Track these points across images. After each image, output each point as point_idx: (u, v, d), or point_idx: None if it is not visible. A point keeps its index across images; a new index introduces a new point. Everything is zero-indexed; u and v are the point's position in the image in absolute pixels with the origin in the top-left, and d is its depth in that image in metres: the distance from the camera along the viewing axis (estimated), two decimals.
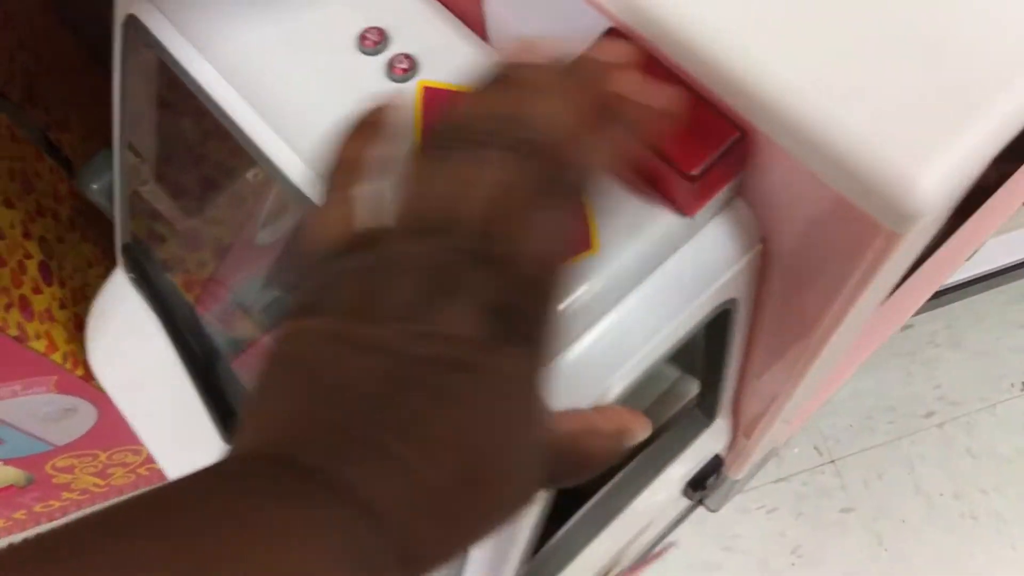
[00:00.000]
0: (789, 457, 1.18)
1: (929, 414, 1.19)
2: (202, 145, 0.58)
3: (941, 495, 1.16)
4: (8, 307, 0.71)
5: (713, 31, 0.32)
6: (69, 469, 0.92)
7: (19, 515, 0.99)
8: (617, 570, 0.74)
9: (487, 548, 0.46)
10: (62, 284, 0.80)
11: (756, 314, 0.46)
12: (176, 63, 0.47)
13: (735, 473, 0.74)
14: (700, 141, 0.33)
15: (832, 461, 1.18)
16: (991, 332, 1.22)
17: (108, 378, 0.78)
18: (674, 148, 0.33)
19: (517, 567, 0.48)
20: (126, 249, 0.71)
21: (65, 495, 0.98)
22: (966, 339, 1.22)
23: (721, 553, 1.15)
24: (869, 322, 0.58)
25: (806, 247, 0.39)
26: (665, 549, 0.80)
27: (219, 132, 0.46)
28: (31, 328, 0.74)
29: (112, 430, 0.89)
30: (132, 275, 0.71)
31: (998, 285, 1.21)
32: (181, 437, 0.72)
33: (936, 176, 0.29)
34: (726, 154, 0.33)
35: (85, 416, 0.85)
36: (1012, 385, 1.20)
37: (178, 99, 0.50)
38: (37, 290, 0.77)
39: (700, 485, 0.68)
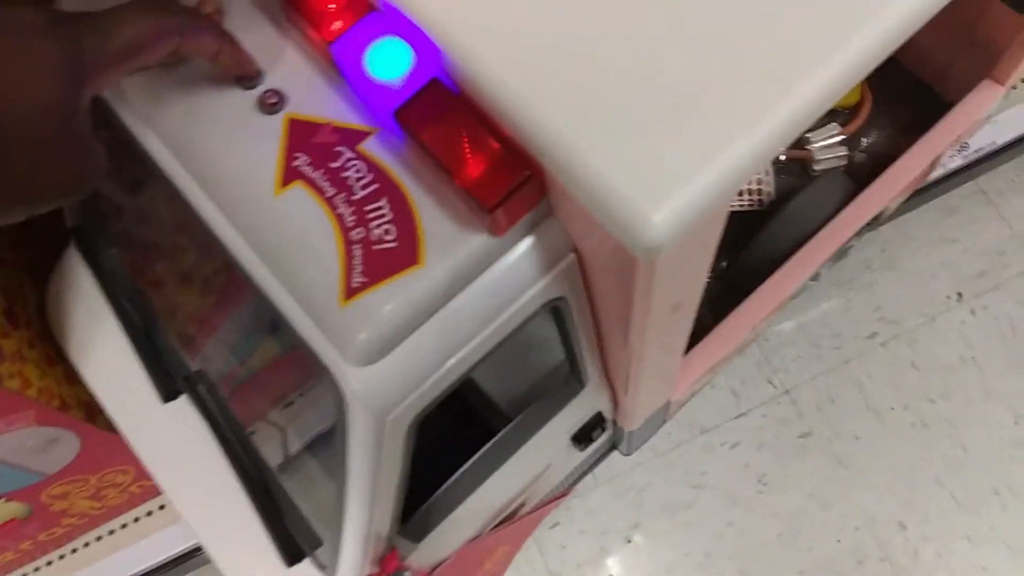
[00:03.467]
0: (745, 393, 1.25)
1: (872, 335, 1.25)
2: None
3: (892, 409, 1.22)
4: None
5: (507, 84, 0.39)
6: (64, 496, 0.99)
7: (25, 546, 1.05)
8: (524, 510, 0.82)
9: (359, 491, 0.53)
10: (28, 325, 0.86)
11: (594, 304, 0.54)
12: None
13: (629, 425, 0.83)
14: (496, 180, 0.41)
15: (786, 391, 1.24)
16: (922, 250, 1.28)
17: (72, 347, 0.85)
18: (478, 186, 0.41)
19: (391, 512, 0.55)
20: (75, 230, 0.77)
21: (65, 521, 1.04)
22: (900, 260, 1.28)
23: (691, 491, 1.21)
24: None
25: (606, 258, 0.46)
26: (565, 494, 0.89)
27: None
28: (4, 369, 0.80)
29: (97, 454, 0.95)
30: (82, 253, 0.77)
31: (924, 203, 1.28)
32: (131, 396, 0.78)
33: (668, 216, 0.35)
34: (519, 189, 0.41)
35: (68, 444, 0.91)
36: (948, 297, 1.26)
37: None
38: (5, 335, 0.83)
39: (586, 438, 0.76)
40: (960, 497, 1.18)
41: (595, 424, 0.76)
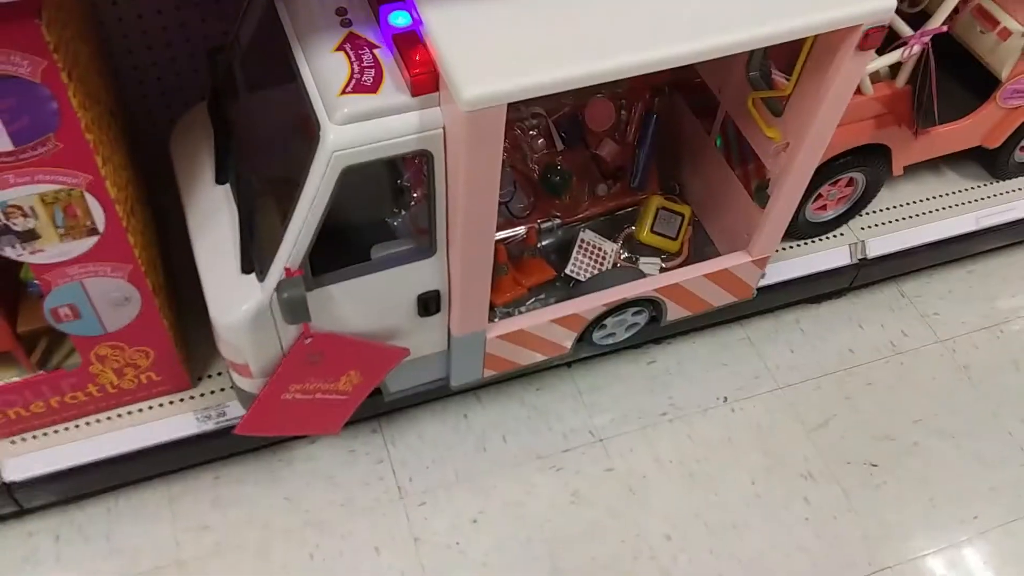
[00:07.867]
0: (573, 437, 1.75)
1: (664, 413, 1.79)
2: None
3: (670, 462, 1.73)
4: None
5: (441, 39, 1.07)
6: (103, 359, 1.25)
7: (37, 407, 1.31)
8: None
9: None
10: (139, 215, 1.40)
11: (448, 187, 1.16)
12: None
13: (454, 328, 1.34)
14: (419, 65, 1.05)
15: (601, 440, 1.75)
16: (704, 367, 1.86)
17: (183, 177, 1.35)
18: (412, 67, 1.05)
19: (308, 241, 1.09)
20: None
21: (90, 387, 1.30)
22: (688, 371, 1.85)
23: (524, 496, 1.68)
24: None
25: (452, 133, 1.09)
26: (404, 352, 1.37)
27: None
28: (131, 225, 1.16)
29: (140, 325, 1.23)
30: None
31: (705, 339, 1.88)
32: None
33: (480, 91, 0.98)
34: (427, 74, 1.05)
35: (133, 308, 1.19)
36: (717, 398, 1.82)
37: None
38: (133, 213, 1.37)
39: (424, 308, 1.28)
40: (710, 524, 1.66)
41: (434, 299, 1.26)
